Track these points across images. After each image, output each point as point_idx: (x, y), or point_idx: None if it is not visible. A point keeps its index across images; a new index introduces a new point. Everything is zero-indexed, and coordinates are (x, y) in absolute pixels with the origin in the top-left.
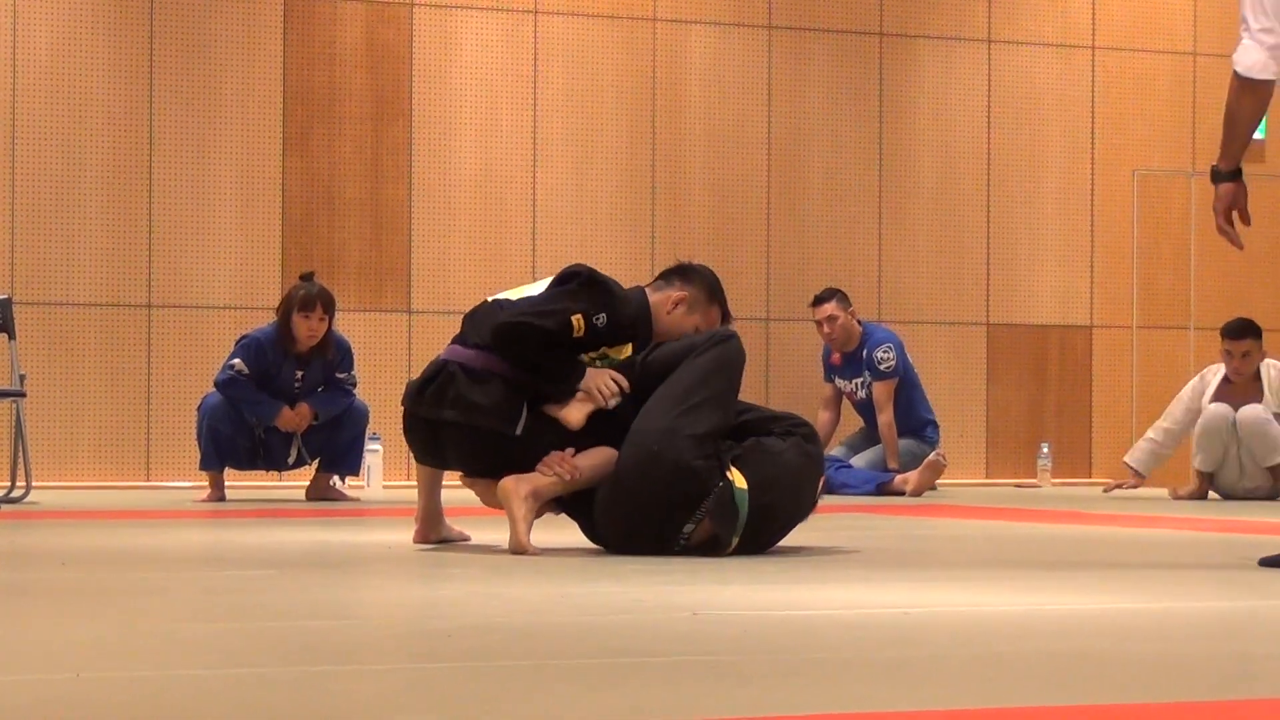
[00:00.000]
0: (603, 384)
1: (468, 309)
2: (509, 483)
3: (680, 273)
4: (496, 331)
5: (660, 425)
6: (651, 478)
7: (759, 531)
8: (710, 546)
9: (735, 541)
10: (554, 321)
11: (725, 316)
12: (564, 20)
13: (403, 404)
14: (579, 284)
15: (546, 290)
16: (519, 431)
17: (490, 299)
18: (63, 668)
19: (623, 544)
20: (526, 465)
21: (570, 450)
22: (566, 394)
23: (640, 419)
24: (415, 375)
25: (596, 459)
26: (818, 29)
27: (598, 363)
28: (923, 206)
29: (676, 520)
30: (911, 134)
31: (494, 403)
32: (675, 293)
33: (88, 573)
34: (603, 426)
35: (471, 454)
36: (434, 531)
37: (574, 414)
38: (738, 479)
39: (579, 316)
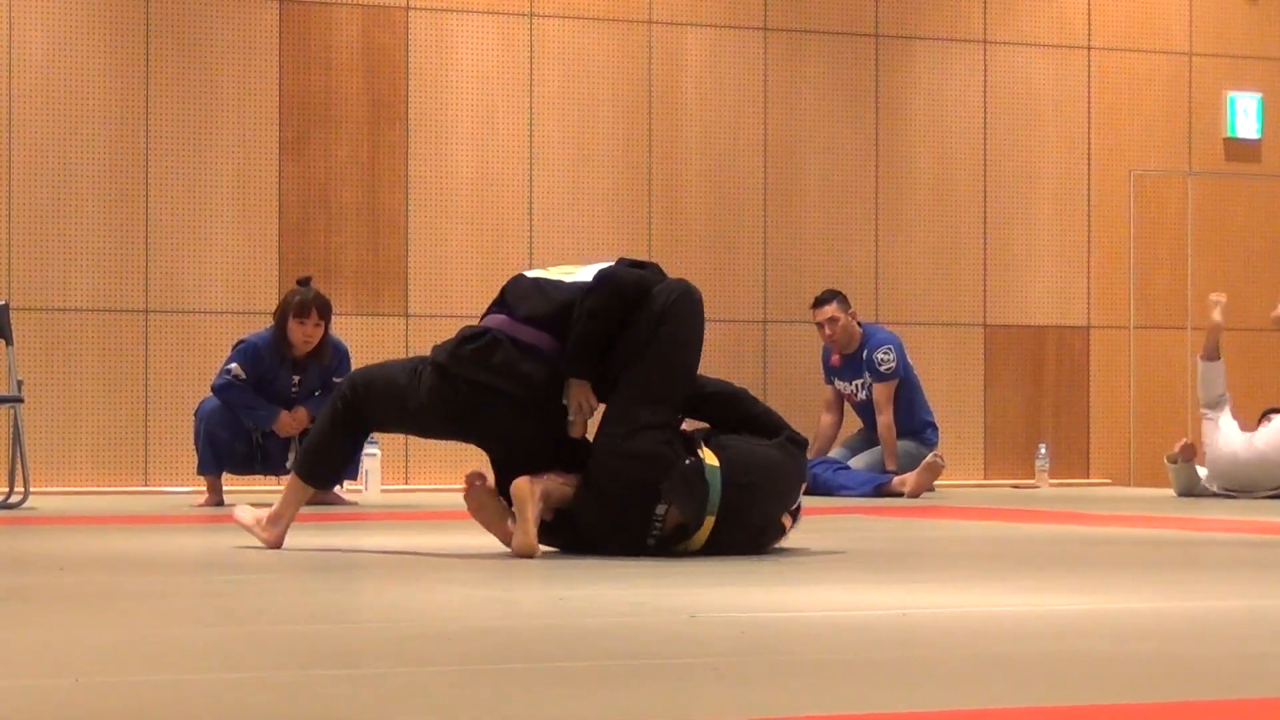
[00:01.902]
0: (584, 398)
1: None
2: (524, 483)
3: None
4: (620, 274)
5: (622, 415)
6: (618, 465)
7: (740, 521)
8: (680, 534)
9: (708, 524)
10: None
11: None
12: (559, 23)
13: (434, 360)
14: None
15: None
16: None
17: (530, 274)
18: (61, 672)
19: (606, 537)
20: (531, 460)
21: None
22: (574, 358)
23: (607, 413)
24: None
25: (574, 479)
26: (813, 31)
27: None
28: (919, 208)
29: (645, 502)
30: (908, 135)
31: (547, 378)
32: None
33: (86, 577)
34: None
35: (505, 429)
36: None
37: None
38: (709, 456)
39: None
